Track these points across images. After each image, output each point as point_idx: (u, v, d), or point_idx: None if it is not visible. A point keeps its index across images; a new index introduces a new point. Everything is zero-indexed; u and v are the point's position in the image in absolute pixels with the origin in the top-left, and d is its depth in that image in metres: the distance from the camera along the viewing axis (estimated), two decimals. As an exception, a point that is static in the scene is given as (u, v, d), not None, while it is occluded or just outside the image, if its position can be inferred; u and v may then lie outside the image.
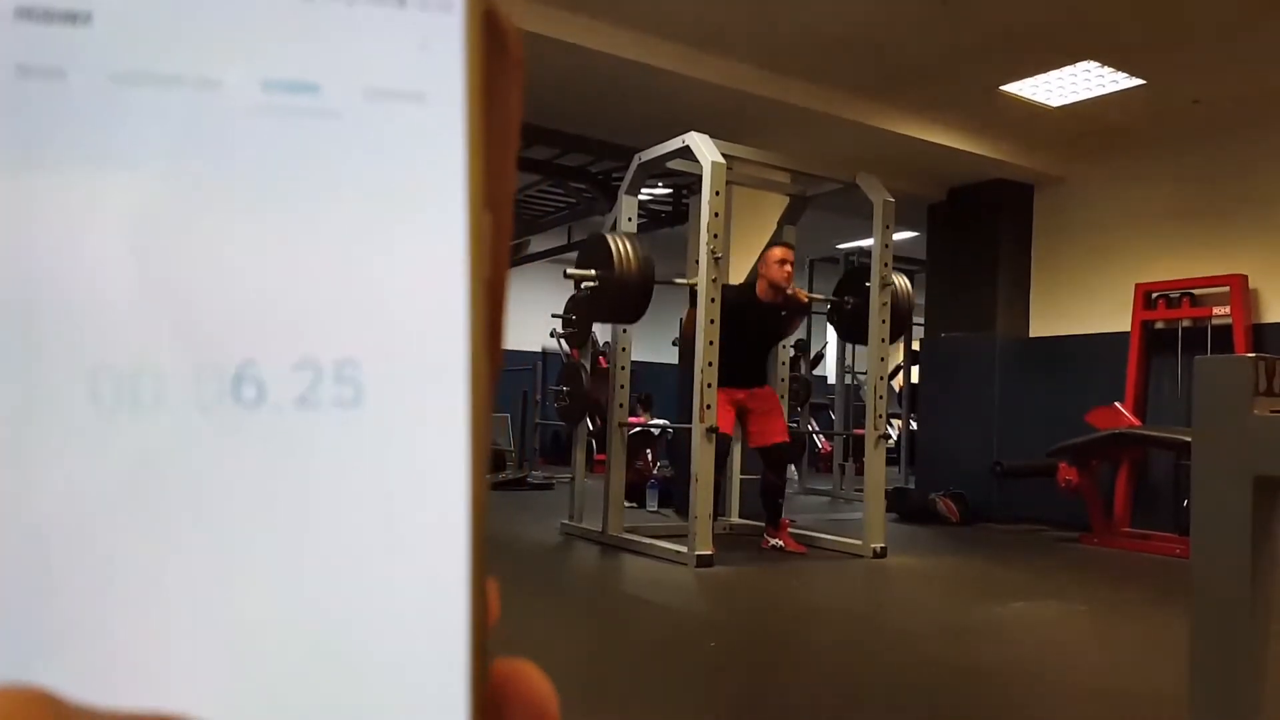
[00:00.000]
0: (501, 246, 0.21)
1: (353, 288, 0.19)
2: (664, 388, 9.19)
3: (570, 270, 5.03)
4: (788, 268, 5.19)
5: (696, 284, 4.78)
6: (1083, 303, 7.16)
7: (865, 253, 8.49)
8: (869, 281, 5.35)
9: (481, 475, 0.19)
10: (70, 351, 0.18)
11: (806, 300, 5.49)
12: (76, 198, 0.18)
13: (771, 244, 5.45)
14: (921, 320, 8.24)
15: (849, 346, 9.78)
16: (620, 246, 4.86)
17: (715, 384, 4.67)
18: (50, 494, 0.18)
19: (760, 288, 5.24)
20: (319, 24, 0.19)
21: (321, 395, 0.19)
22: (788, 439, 5.43)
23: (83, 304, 0.18)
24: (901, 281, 5.52)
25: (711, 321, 4.66)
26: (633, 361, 5.52)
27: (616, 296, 4.88)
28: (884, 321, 5.27)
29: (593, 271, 4.92)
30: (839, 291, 5.95)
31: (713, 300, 4.66)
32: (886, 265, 5.25)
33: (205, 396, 0.18)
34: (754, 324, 5.20)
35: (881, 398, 5.24)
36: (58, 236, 0.18)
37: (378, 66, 0.19)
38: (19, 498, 0.18)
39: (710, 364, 4.64)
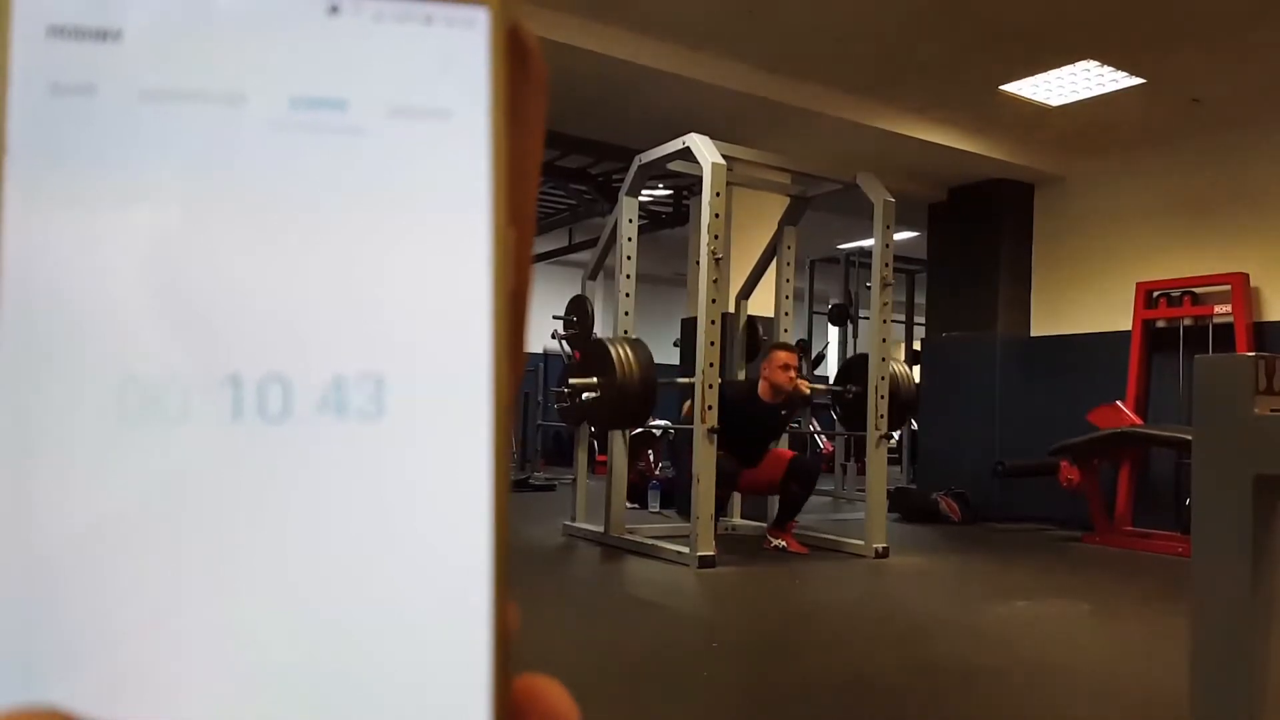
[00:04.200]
0: (524, 260, 0.21)
1: (378, 301, 0.19)
2: (665, 389, 9.18)
3: (573, 380, 4.99)
4: (791, 372, 5.21)
5: (694, 382, 4.74)
6: (1084, 302, 7.15)
7: (866, 253, 8.49)
8: (870, 367, 5.33)
9: (504, 490, 0.19)
10: (98, 364, 0.18)
11: (809, 392, 5.50)
12: (106, 212, 0.19)
13: (774, 346, 5.45)
14: (923, 320, 8.24)
15: (850, 347, 9.78)
16: (621, 354, 4.83)
17: (716, 384, 4.67)
18: (77, 505, 0.18)
19: (763, 389, 5.26)
20: (345, 42, 0.19)
21: (346, 408, 0.19)
22: (792, 454, 5.48)
23: (110, 317, 0.18)
24: (901, 369, 5.55)
25: (713, 322, 4.65)
26: (634, 363, 5.51)
27: (619, 405, 4.84)
28: (885, 321, 5.28)
29: (595, 380, 4.88)
30: (840, 380, 5.96)
31: (713, 301, 4.65)
32: (887, 265, 5.25)
33: (231, 409, 0.19)
34: (755, 424, 5.24)
35: (883, 398, 5.24)
36: (88, 250, 0.18)
37: (403, 84, 0.20)
38: (47, 509, 0.18)
39: (711, 365, 4.64)
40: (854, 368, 5.85)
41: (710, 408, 4.62)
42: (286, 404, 0.19)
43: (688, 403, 5.19)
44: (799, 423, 6.19)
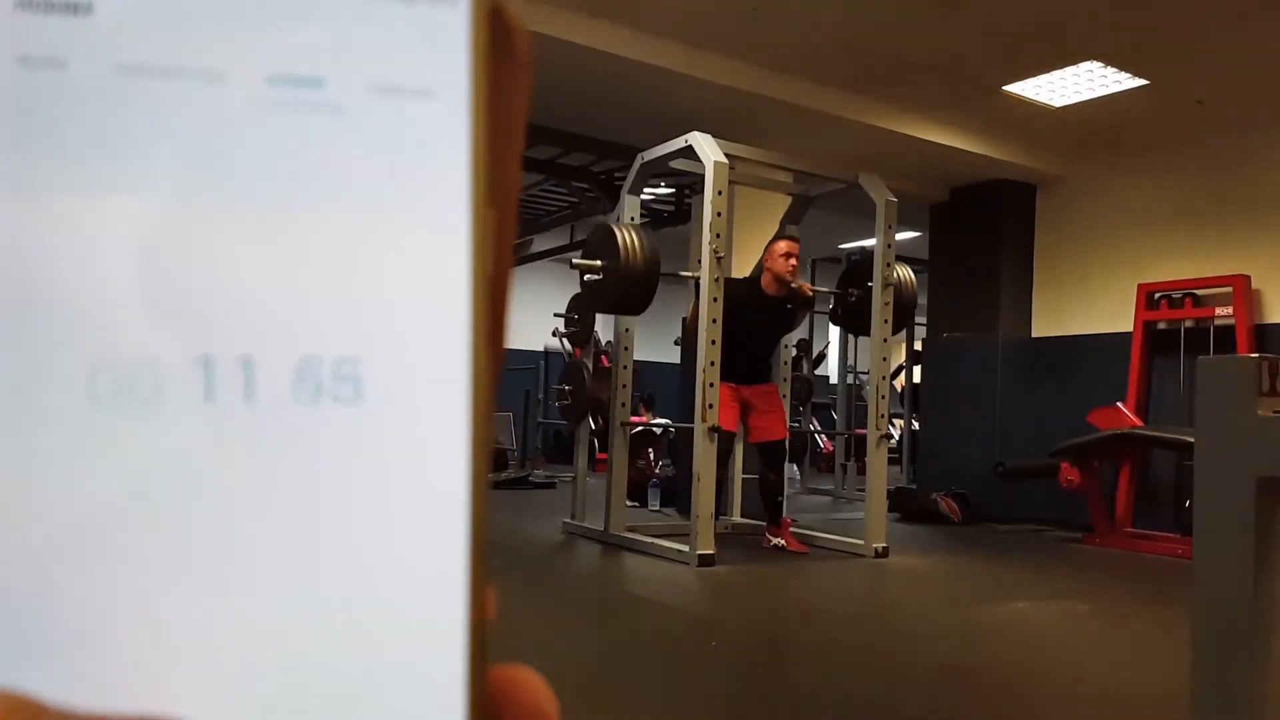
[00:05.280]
0: (505, 243, 0.21)
1: (354, 284, 0.19)
2: (666, 387, 9.20)
3: (576, 260, 5.03)
4: (793, 261, 5.16)
5: (701, 276, 4.76)
6: (1085, 303, 7.15)
7: (867, 252, 8.49)
8: (871, 277, 5.33)
9: (482, 475, 0.19)
10: (69, 345, 0.18)
11: (812, 294, 5.48)
12: (77, 190, 0.18)
13: (777, 237, 5.39)
14: (924, 320, 8.24)
15: (851, 346, 9.78)
16: (626, 237, 4.86)
17: (718, 383, 4.67)
18: (47, 491, 0.18)
19: (765, 280, 5.20)
20: (324, 18, 0.19)
21: (321, 392, 0.19)
22: (786, 437, 5.43)
23: (82, 298, 0.18)
24: (905, 273, 5.49)
25: (714, 321, 4.65)
26: (635, 360, 5.52)
27: (622, 287, 4.86)
28: (886, 321, 5.27)
29: (599, 262, 4.91)
30: (842, 285, 5.91)
31: (715, 300, 4.66)
32: (889, 265, 5.25)
33: (204, 392, 0.18)
34: (758, 318, 5.17)
35: (884, 397, 5.23)
36: (58, 229, 0.18)
37: (383, 62, 0.19)
38: (16, 495, 0.17)
39: (713, 364, 4.64)
40: (856, 271, 5.80)
41: (711, 406, 4.62)
42: (260, 386, 0.18)
43: (692, 303, 5.17)
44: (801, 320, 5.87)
